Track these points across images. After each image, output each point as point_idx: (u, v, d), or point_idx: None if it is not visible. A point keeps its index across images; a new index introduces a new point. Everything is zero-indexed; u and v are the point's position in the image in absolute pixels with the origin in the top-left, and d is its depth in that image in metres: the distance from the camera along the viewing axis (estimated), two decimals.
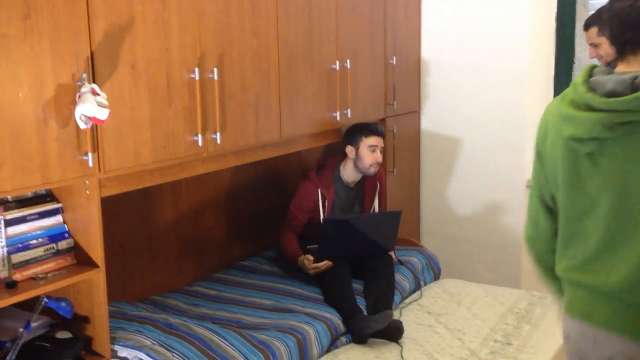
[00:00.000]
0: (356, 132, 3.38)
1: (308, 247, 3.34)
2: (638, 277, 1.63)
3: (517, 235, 4.11)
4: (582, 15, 3.98)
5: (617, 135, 1.62)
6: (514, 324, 3.09)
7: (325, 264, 3.16)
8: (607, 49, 3.25)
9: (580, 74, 1.73)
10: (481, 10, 4.02)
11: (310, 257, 3.21)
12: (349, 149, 3.39)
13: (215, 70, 2.54)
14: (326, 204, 3.34)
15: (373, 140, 3.36)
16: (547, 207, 1.88)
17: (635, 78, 1.60)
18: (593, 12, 3.42)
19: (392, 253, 3.43)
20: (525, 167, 4.06)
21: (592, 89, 1.66)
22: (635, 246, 1.63)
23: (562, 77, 4.12)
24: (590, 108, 1.64)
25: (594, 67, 1.74)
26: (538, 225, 1.92)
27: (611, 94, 1.61)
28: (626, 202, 1.65)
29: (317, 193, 3.34)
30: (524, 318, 3.14)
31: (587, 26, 3.34)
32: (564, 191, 1.76)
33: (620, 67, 1.70)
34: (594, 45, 3.29)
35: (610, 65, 2.99)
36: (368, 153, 3.36)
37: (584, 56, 4.01)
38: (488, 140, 4.12)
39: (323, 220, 3.27)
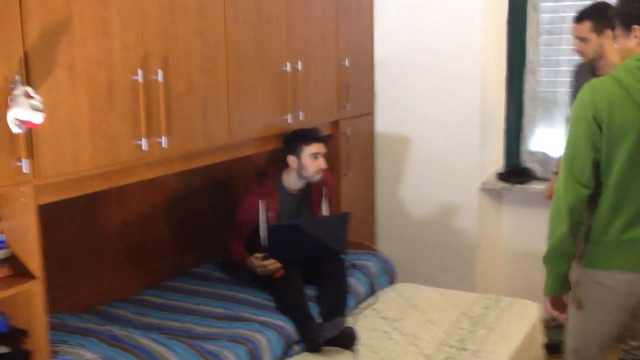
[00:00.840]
0: (296, 141, 3.27)
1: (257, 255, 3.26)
2: None
3: (472, 237, 4.11)
4: (533, 18, 4.00)
5: None
6: (469, 328, 3.06)
7: (271, 262, 3.08)
8: (594, 46, 3.23)
9: (632, 63, 2.12)
10: (434, 11, 4.00)
11: (258, 255, 3.13)
12: (291, 159, 3.27)
13: (160, 71, 2.45)
14: (270, 215, 3.25)
15: (315, 147, 3.26)
16: (594, 169, 2.15)
17: None
18: (589, 5, 3.34)
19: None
20: (479, 168, 4.06)
21: None
22: None
23: (514, 78, 4.13)
24: None
25: None
26: (584, 187, 2.16)
27: None
28: None
29: (259, 205, 3.24)
30: (479, 322, 3.12)
31: (580, 19, 3.27)
32: (627, 155, 2.11)
33: None
34: (583, 40, 3.26)
35: (591, 62, 2.99)
36: (311, 161, 3.26)
37: (535, 58, 4.03)
38: (442, 141, 4.11)
39: (269, 227, 3.18)
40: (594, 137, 2.15)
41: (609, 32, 3.17)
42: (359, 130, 4.07)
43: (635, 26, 2.20)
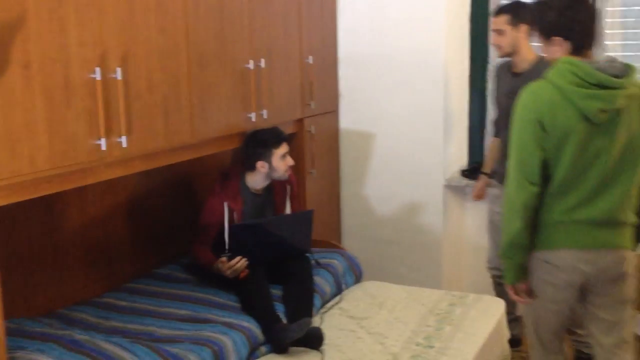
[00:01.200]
0: (262, 146, 3.20)
1: (221, 255, 3.21)
2: (621, 203, 2.37)
3: (437, 233, 4.12)
4: None
5: (629, 104, 2.29)
6: (435, 325, 3.06)
7: (238, 259, 3.03)
8: (509, 39, 3.33)
9: (563, 67, 2.29)
10: (397, 8, 4.00)
11: (223, 259, 3.07)
12: (261, 165, 3.21)
13: (119, 69, 2.39)
14: (235, 216, 3.21)
15: (283, 148, 3.22)
16: (541, 169, 2.34)
17: (623, 64, 2.30)
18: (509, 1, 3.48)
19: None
20: (443, 165, 4.07)
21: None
22: (629, 185, 2.37)
23: (477, 75, 4.16)
24: (609, 87, 2.25)
25: (571, 61, 2.29)
26: (534, 185, 2.34)
27: (616, 77, 2.26)
28: (626, 157, 2.33)
29: (224, 207, 3.19)
30: (445, 319, 3.12)
31: (498, 12, 3.42)
32: (572, 153, 2.29)
33: (584, 57, 2.33)
34: (499, 32, 3.38)
35: (507, 57, 3.42)
36: (281, 163, 3.22)
37: (497, 54, 4.04)
38: (406, 139, 4.11)
39: (232, 227, 3.13)
40: (540, 139, 2.31)
41: (524, 27, 3.34)
42: (323, 128, 4.04)
43: (555, 38, 2.36)
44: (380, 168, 4.23)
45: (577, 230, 2.38)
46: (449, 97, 4.04)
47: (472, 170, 4.11)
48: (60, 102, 2.21)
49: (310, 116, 3.84)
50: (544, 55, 2.49)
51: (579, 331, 3.57)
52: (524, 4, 3.41)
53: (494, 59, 4.06)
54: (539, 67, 3.37)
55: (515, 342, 3.78)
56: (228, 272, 3.05)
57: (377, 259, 4.25)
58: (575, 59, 2.31)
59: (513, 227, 2.37)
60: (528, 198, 2.35)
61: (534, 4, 2.51)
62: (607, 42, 3.76)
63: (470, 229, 4.29)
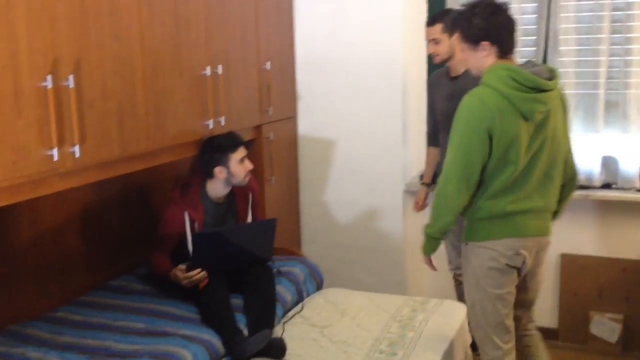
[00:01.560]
0: (219, 151, 3.14)
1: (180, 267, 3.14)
2: (554, 194, 2.67)
3: (397, 238, 4.11)
4: None
5: (556, 104, 2.56)
6: (398, 332, 3.05)
7: (197, 272, 2.96)
8: (445, 47, 3.42)
9: (502, 73, 2.46)
10: (354, 13, 3.99)
11: (182, 267, 3.00)
12: (219, 170, 3.15)
13: (71, 77, 2.31)
14: (196, 226, 3.14)
15: (240, 152, 3.17)
16: (480, 171, 2.53)
17: (549, 67, 2.58)
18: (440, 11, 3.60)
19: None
20: (402, 170, 4.07)
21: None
22: (556, 178, 2.65)
23: (429, 81, 4.16)
24: (543, 89, 2.47)
25: (507, 66, 2.48)
26: (472, 188, 2.55)
27: (548, 79, 2.50)
28: (554, 153, 2.59)
29: (184, 216, 3.13)
30: (408, 325, 3.11)
31: (432, 22, 3.49)
32: (519, 153, 2.48)
33: (506, 62, 2.53)
34: (435, 42, 3.46)
35: (445, 63, 3.58)
36: (239, 167, 3.17)
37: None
38: (366, 144, 4.10)
39: (193, 235, 3.06)
40: (485, 146, 2.48)
41: (457, 33, 3.35)
42: (281, 135, 4.00)
43: (483, 42, 2.51)
44: (339, 174, 4.20)
45: (521, 221, 2.60)
46: (408, 102, 4.04)
47: (431, 175, 4.11)
48: (10, 112, 2.11)
49: (268, 122, 3.80)
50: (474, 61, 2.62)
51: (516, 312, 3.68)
52: (455, 10, 3.45)
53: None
54: None
55: (476, 345, 3.80)
56: (185, 282, 2.98)
57: (338, 266, 4.22)
58: (511, 65, 2.50)
59: (446, 220, 2.61)
60: (465, 200, 2.57)
61: (458, 13, 2.65)
62: (561, 47, 3.81)
63: None
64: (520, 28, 3.86)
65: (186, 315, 2.97)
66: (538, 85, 2.46)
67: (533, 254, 2.69)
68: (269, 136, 3.81)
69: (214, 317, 2.89)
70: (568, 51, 3.82)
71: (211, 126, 3.16)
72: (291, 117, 4.14)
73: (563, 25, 3.80)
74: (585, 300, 3.96)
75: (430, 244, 2.77)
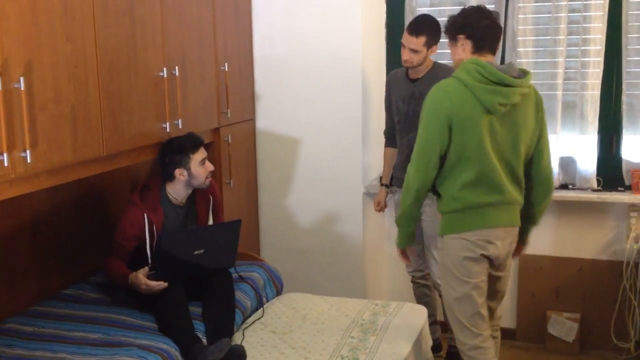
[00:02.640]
0: (179, 152, 3.08)
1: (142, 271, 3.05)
2: (520, 187, 2.82)
3: (357, 241, 4.09)
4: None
5: (521, 101, 2.71)
6: (359, 336, 3.02)
7: (159, 284, 2.89)
8: (421, 58, 3.50)
9: (470, 67, 2.65)
10: (313, 14, 3.96)
11: (144, 270, 2.90)
12: (179, 172, 3.08)
13: (22, 79, 2.21)
14: (155, 229, 3.06)
15: (200, 153, 3.10)
16: (439, 158, 2.70)
17: (520, 69, 2.75)
18: (422, 19, 3.52)
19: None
20: (362, 172, 4.05)
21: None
22: (519, 171, 2.79)
23: (386, 81, 4.15)
24: (507, 85, 2.63)
25: (476, 61, 2.67)
26: (430, 172, 2.72)
27: (516, 77, 2.67)
28: (516, 147, 2.74)
29: (144, 218, 3.05)
30: (369, 329, 3.09)
31: (418, 33, 3.46)
32: (478, 143, 2.65)
33: (487, 59, 2.72)
34: (414, 52, 3.47)
35: (411, 69, 3.63)
36: (200, 168, 3.11)
37: None
38: (325, 146, 4.07)
39: (157, 236, 2.98)
40: (443, 132, 2.65)
41: (435, 48, 3.53)
42: (240, 137, 3.94)
43: (459, 35, 2.73)
44: (298, 176, 4.17)
45: (493, 212, 2.77)
46: (367, 104, 4.03)
47: (391, 177, 4.10)
48: None
49: (226, 125, 3.74)
50: (455, 57, 2.80)
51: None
52: (437, 22, 3.52)
53: None
54: (435, 71, 3.53)
55: (436, 347, 3.81)
56: (143, 287, 2.89)
57: (298, 270, 4.18)
58: (480, 60, 2.68)
59: (407, 203, 2.79)
60: (424, 182, 2.73)
61: (451, 17, 2.82)
62: (520, 49, 3.85)
63: (389, 236, 4.29)
64: None
65: (143, 324, 2.89)
66: (502, 79, 2.63)
67: (506, 244, 2.83)
68: (227, 139, 3.75)
69: (172, 325, 2.82)
70: (526, 52, 3.86)
71: (168, 129, 3.09)
72: (249, 120, 4.08)
73: (521, 27, 3.84)
74: (542, 300, 4.01)
75: (401, 233, 2.92)
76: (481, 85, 2.63)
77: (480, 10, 2.78)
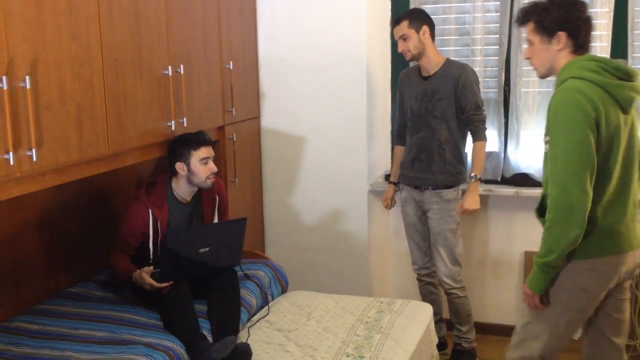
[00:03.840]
0: (182, 146, 3.08)
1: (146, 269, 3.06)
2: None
3: (362, 239, 4.09)
4: None
5: None
6: (364, 334, 3.02)
7: (163, 285, 2.89)
8: (415, 42, 3.46)
9: (590, 64, 2.27)
10: (317, 13, 3.96)
11: (148, 269, 2.91)
12: (179, 166, 3.09)
13: (28, 78, 2.22)
14: (159, 226, 3.06)
15: (204, 152, 3.09)
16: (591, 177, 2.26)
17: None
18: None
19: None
20: (367, 170, 4.04)
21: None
22: (635, 178, 2.39)
23: (398, 79, 4.14)
24: (630, 78, 2.29)
25: (592, 57, 2.31)
26: (588, 194, 2.24)
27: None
28: (634, 153, 2.37)
29: (149, 214, 3.05)
30: (374, 327, 3.09)
31: (397, 20, 3.53)
32: (618, 150, 2.28)
33: (582, 53, 2.36)
34: (404, 38, 3.48)
35: (415, 60, 3.59)
36: (201, 167, 3.10)
37: None
38: (330, 144, 4.07)
39: (164, 234, 2.98)
40: (592, 142, 2.23)
41: (425, 28, 3.48)
42: (245, 135, 3.94)
43: (560, 33, 2.33)
44: (303, 174, 4.16)
45: (622, 234, 2.38)
46: (372, 102, 4.02)
47: None
48: None
49: (231, 123, 3.74)
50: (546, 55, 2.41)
51: (461, 328, 3.70)
52: (419, 9, 3.60)
53: (413, 63, 4.08)
54: (447, 68, 3.51)
55: (441, 345, 3.81)
56: (147, 286, 2.90)
57: (303, 268, 4.18)
58: (595, 55, 2.33)
59: (572, 235, 2.26)
60: (588, 204, 2.25)
61: (534, 4, 2.44)
62: (525, 46, 3.82)
63: (394, 233, 4.29)
64: (482, 27, 3.88)
65: (148, 322, 2.89)
66: (628, 73, 2.31)
67: (630, 270, 2.45)
68: (232, 137, 3.75)
69: (178, 323, 2.82)
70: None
71: (173, 127, 3.09)
72: (254, 118, 4.08)
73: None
74: None
75: (546, 277, 2.40)
76: (614, 81, 2.26)
77: (575, 1, 2.37)
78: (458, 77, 3.47)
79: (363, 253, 4.11)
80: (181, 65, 3.12)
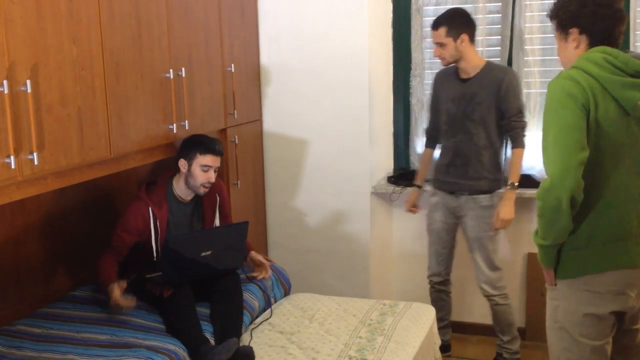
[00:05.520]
0: (193, 146, 3.11)
1: (147, 276, 3.06)
2: None
3: (365, 241, 4.09)
4: (416, 21, 4.03)
5: None
6: (367, 337, 3.02)
7: (127, 301, 2.85)
8: (451, 50, 3.36)
9: (596, 56, 2.09)
10: (319, 15, 3.95)
11: (123, 285, 2.90)
12: (182, 162, 3.11)
13: (29, 82, 2.22)
14: (158, 224, 3.06)
15: (208, 159, 3.10)
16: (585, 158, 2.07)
17: None
18: (445, 11, 3.50)
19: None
20: (369, 172, 4.04)
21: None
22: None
23: (401, 81, 4.16)
24: None
25: (603, 49, 2.11)
26: (579, 172, 2.06)
27: None
28: None
29: (149, 212, 3.05)
30: (377, 329, 3.08)
31: (436, 25, 3.42)
32: (614, 153, 2.10)
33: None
34: (440, 45, 3.39)
35: (449, 65, 3.41)
36: (200, 172, 3.10)
37: (419, 62, 4.06)
38: (332, 146, 4.07)
39: (165, 240, 2.98)
40: (583, 128, 2.07)
41: (464, 36, 3.38)
42: (247, 138, 3.95)
43: (572, 29, 2.19)
44: (306, 177, 4.16)
45: (623, 246, 2.17)
46: (374, 104, 4.02)
47: (398, 177, 4.11)
48: None
49: (233, 126, 3.74)
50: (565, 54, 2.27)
51: (502, 337, 3.65)
52: (460, 11, 3.47)
53: (416, 65, 4.08)
54: (487, 71, 3.41)
55: (445, 347, 3.80)
56: (111, 302, 2.84)
57: (305, 270, 4.18)
58: (607, 48, 2.12)
59: (559, 225, 2.13)
60: (578, 191, 2.09)
61: (558, 0, 2.30)
62: (527, 47, 3.82)
63: (396, 235, 4.28)
64: (484, 27, 3.87)
65: (150, 325, 2.90)
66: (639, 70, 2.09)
67: None
68: (234, 140, 3.75)
69: (180, 326, 2.83)
70: (533, 50, 3.83)
71: (175, 130, 3.09)
72: (256, 120, 4.08)
73: (528, 25, 3.82)
74: None
75: (548, 255, 2.24)
76: (614, 77, 2.07)
77: None
78: (501, 80, 3.35)
79: (365, 255, 4.10)
80: (183, 69, 3.12)
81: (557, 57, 3.63)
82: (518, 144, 3.42)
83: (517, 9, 3.80)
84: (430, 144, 3.73)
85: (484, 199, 3.48)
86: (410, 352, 2.90)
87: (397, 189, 4.03)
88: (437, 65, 4.04)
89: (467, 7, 3.89)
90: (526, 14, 3.80)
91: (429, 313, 3.31)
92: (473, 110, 3.42)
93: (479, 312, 3.96)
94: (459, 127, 3.47)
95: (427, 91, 4.10)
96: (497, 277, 3.56)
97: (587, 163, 2.08)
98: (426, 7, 4.02)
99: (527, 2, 3.80)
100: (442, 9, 3.96)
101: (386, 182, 4.13)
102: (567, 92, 2.07)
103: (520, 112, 3.40)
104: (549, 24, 3.71)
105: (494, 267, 3.55)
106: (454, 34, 3.36)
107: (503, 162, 3.54)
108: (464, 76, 3.47)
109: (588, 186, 2.10)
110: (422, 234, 4.13)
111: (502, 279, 3.58)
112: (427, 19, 4.03)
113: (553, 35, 3.69)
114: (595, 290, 2.16)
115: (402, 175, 4.10)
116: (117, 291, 2.86)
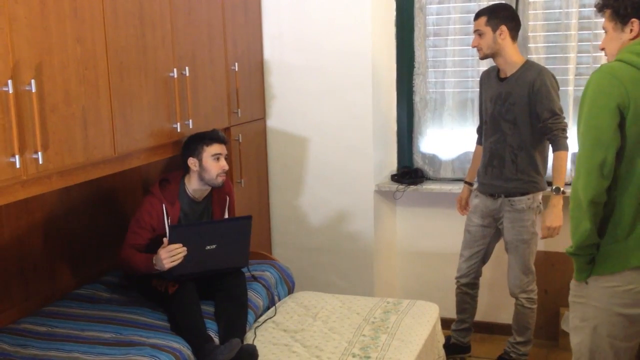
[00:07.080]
0: (196, 142, 3.13)
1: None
2: None
3: (368, 239, 4.09)
4: (419, 20, 4.03)
5: None
6: (370, 335, 3.02)
7: (178, 246, 2.84)
8: (489, 40, 3.34)
9: (638, 46, 2.10)
10: (323, 14, 3.96)
11: (164, 242, 2.87)
12: (192, 162, 3.12)
13: (33, 81, 2.23)
14: (169, 222, 3.07)
15: (216, 148, 3.12)
16: (613, 162, 2.09)
17: None
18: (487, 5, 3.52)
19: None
20: (373, 170, 4.04)
21: None
22: None
23: (404, 79, 4.16)
24: None
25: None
26: (606, 178, 2.07)
27: None
28: None
29: (162, 209, 3.06)
30: (380, 327, 3.09)
31: (478, 15, 3.41)
32: None
33: None
34: (479, 34, 3.37)
35: (487, 58, 3.40)
36: (213, 162, 3.12)
37: (423, 60, 4.06)
38: (336, 145, 4.07)
39: (169, 227, 2.98)
40: (617, 127, 2.07)
41: (503, 28, 3.33)
42: (251, 136, 3.95)
43: (635, 20, 2.15)
44: (309, 175, 4.17)
45: None
46: (378, 102, 4.02)
47: (402, 175, 4.11)
48: None
49: (237, 124, 3.74)
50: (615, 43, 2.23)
51: (516, 337, 3.63)
52: (503, 6, 3.44)
53: (420, 63, 4.08)
54: (524, 70, 3.35)
55: (464, 348, 3.78)
56: (165, 260, 2.83)
57: (309, 268, 4.19)
58: None
59: (582, 228, 2.13)
60: (598, 195, 2.10)
61: None
62: (530, 44, 3.82)
63: (400, 233, 4.28)
64: None
65: (155, 323, 2.90)
66: None
67: None
68: (237, 138, 3.75)
69: (184, 324, 2.83)
70: (537, 48, 3.83)
71: (179, 129, 3.10)
72: (260, 119, 4.09)
73: (531, 23, 3.81)
74: (555, 297, 3.98)
75: (577, 266, 2.23)
76: None
77: None
78: (533, 81, 3.29)
79: (369, 253, 4.10)
80: (186, 67, 3.13)
81: (560, 55, 3.75)
82: (558, 146, 3.30)
83: (520, 7, 3.80)
84: (479, 141, 3.67)
85: (518, 201, 3.40)
86: (414, 350, 2.91)
87: (401, 187, 4.03)
88: (440, 64, 4.06)
89: (471, 5, 3.90)
90: (530, 11, 3.80)
91: (433, 311, 3.31)
92: (507, 111, 3.37)
93: (479, 311, 3.96)
94: (495, 127, 3.42)
95: (431, 89, 4.11)
96: (529, 281, 3.52)
97: (624, 155, 2.08)
98: (429, 6, 4.02)
99: (531, 0, 3.79)
100: (445, 7, 3.98)
101: (390, 180, 4.13)
102: (601, 90, 2.09)
103: (554, 114, 3.27)
104: (554, 22, 3.77)
105: (527, 271, 3.50)
106: (494, 24, 3.32)
107: (541, 164, 3.43)
108: (502, 75, 3.43)
109: (621, 179, 2.10)
110: (425, 231, 4.14)
111: (533, 283, 3.54)
112: (430, 17, 4.03)
113: (557, 33, 3.76)
114: (631, 289, 2.12)
115: (406, 173, 4.11)
116: (164, 252, 2.83)
